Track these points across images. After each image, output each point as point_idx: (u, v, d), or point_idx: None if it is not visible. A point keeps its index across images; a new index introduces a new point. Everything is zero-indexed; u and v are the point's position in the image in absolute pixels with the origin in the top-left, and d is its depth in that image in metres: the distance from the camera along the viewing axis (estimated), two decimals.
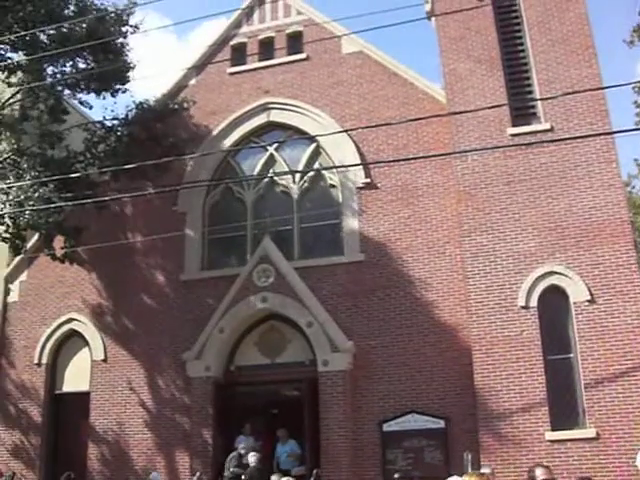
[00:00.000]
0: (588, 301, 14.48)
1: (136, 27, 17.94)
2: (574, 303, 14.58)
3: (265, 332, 17.15)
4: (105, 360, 18.29)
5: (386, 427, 15.62)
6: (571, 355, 14.61)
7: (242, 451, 15.73)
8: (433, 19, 18.07)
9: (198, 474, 15.86)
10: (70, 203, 14.80)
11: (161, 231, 17.97)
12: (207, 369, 16.73)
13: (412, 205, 16.80)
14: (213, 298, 17.33)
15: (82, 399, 18.22)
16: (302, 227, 17.72)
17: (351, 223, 17.13)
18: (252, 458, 15.28)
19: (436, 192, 16.75)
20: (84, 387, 18.34)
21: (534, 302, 14.75)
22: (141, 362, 17.95)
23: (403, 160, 15.76)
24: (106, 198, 15.99)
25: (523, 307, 14.75)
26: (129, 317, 18.39)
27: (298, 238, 17.65)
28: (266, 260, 16.86)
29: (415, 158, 16.00)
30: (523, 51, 16.49)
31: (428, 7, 18.41)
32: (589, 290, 14.49)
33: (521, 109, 16.09)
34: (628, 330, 14.15)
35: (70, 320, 18.86)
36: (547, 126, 15.51)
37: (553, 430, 14.06)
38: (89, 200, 15.52)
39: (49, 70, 17.60)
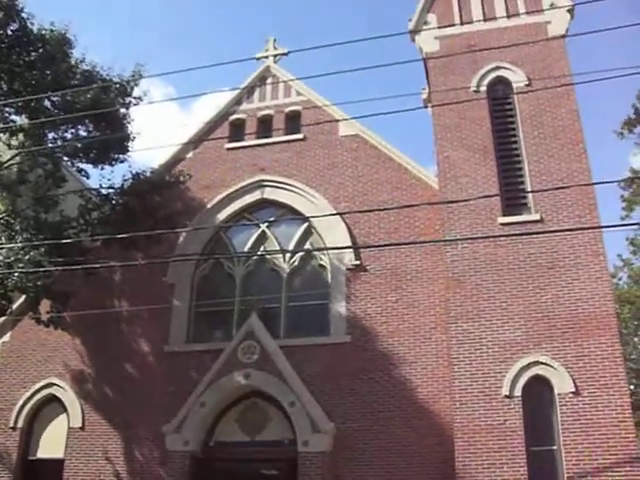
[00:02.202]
0: (573, 393, 14.46)
1: (139, 99, 18.31)
2: (558, 394, 14.56)
3: (246, 409, 16.95)
4: (82, 428, 17.99)
5: None
6: (554, 447, 14.52)
7: None
8: (429, 107, 18.51)
9: None
10: (60, 268, 14.83)
11: (149, 301, 17.98)
12: (186, 443, 16.47)
13: (400, 289, 16.91)
14: (196, 371, 17.20)
15: (56, 466, 17.83)
16: (290, 305, 17.74)
17: (339, 304, 17.18)
18: None
19: (425, 277, 16.88)
20: (59, 454, 17.98)
21: (518, 391, 14.72)
22: (119, 432, 17.67)
23: (394, 245, 15.95)
24: (96, 265, 16.05)
25: (507, 396, 14.71)
26: (110, 385, 18.19)
27: (285, 316, 17.66)
28: (252, 336, 16.81)
29: (405, 243, 16.21)
30: (515, 142, 16.87)
31: (425, 95, 18.90)
32: (574, 382, 14.49)
33: (512, 199, 16.36)
34: (613, 424, 14.10)
35: (50, 385, 18.61)
36: (537, 217, 15.76)
37: None
38: (79, 266, 15.52)
39: (50, 136, 17.84)
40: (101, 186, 18.43)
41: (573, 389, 14.48)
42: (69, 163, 18.49)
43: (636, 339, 31.73)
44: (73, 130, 18.01)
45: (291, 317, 17.67)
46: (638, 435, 17.18)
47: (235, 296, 18.21)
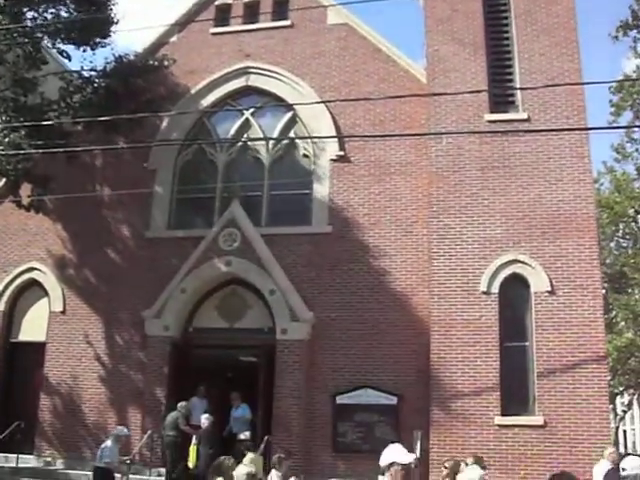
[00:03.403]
0: (548, 292, 14.66)
1: None
2: (534, 293, 14.76)
3: (226, 296, 17.10)
4: (64, 312, 18.12)
5: (339, 400, 15.75)
6: (527, 343, 14.81)
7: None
8: None
9: (149, 432, 15.89)
10: (41, 151, 14.57)
11: (130, 187, 17.65)
12: (166, 328, 16.69)
13: (383, 182, 16.81)
14: (177, 258, 17.22)
15: (37, 349, 18.08)
16: (272, 194, 17.65)
17: (321, 194, 17.11)
18: (205, 421, 15.29)
19: (409, 171, 16.76)
20: (40, 337, 18.16)
21: (495, 288, 14.90)
22: (100, 316, 17.82)
23: (379, 136, 15.74)
24: (77, 149, 15.75)
25: (484, 292, 14.89)
26: (91, 270, 18.23)
27: (267, 205, 17.59)
28: (233, 224, 16.80)
29: (391, 135, 15.98)
30: (507, 39, 16.51)
31: None
32: (550, 281, 14.66)
33: (500, 96, 16.12)
34: (584, 323, 14.38)
35: (31, 269, 18.65)
36: (524, 115, 15.59)
37: (503, 415, 14.28)
38: (60, 149, 15.23)
39: (29, 14, 17.20)
40: (83, 68, 17.96)
41: (549, 288, 14.66)
42: (49, 44, 17.90)
43: (612, 244, 32.07)
44: (54, 10, 17.37)
45: (273, 206, 17.60)
46: (606, 335, 17.52)
47: (217, 183, 18.07)
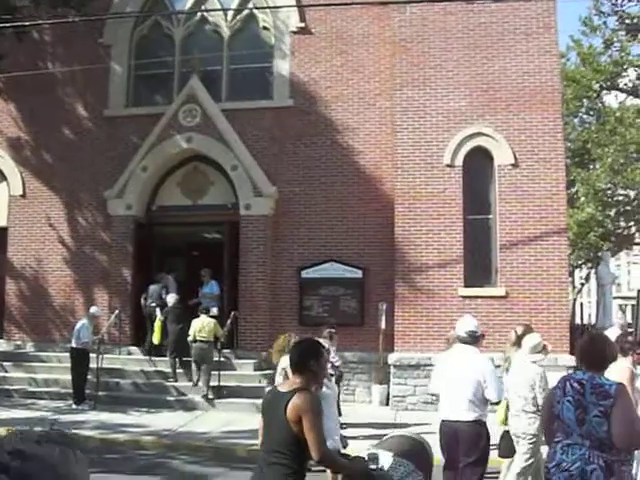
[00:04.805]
0: (512, 165, 14.72)
1: None
2: (498, 166, 14.81)
3: (188, 173, 16.91)
4: (24, 196, 17.80)
5: (304, 274, 15.91)
6: (490, 216, 14.98)
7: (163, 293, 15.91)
8: None
9: (117, 312, 15.98)
10: None
11: (85, 63, 17.12)
12: (128, 207, 16.53)
13: (346, 54, 16.41)
14: (137, 136, 16.87)
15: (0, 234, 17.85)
16: (231, 68, 17.16)
17: (282, 67, 16.69)
18: (171, 299, 15.42)
19: (371, 42, 16.36)
20: (1, 222, 17.89)
21: (459, 161, 14.90)
22: (61, 198, 17.56)
23: (340, 5, 15.20)
24: (26, 23, 15.10)
25: (448, 165, 14.89)
26: (49, 152, 17.80)
27: (227, 79, 17.13)
28: (193, 100, 16.41)
29: (353, 4, 15.44)
30: None
31: None
32: (514, 154, 14.70)
33: None
34: (547, 196, 14.54)
35: None
36: None
37: (466, 286, 14.59)
38: (7, 24, 14.60)
39: None
40: None
41: (512, 161, 14.71)
42: None
43: (576, 120, 32.06)
44: None
45: (233, 80, 17.15)
46: (567, 209, 17.70)
47: (175, 58, 17.49)
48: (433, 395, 9.56)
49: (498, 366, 8.51)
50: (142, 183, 16.59)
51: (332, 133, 16.20)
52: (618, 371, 7.95)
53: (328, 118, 16.26)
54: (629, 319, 31.08)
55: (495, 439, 7.90)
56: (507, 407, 8.04)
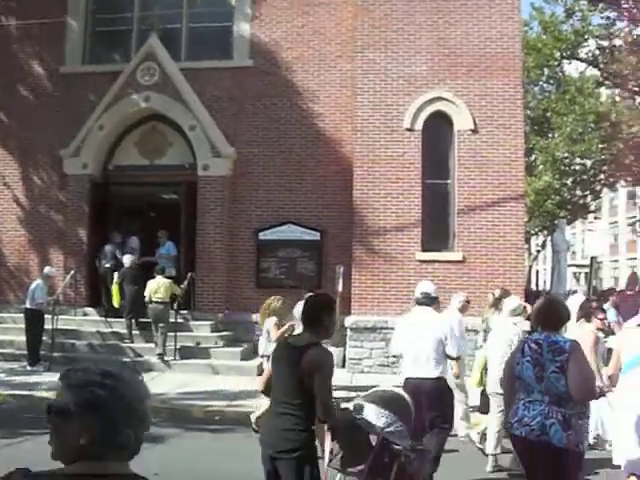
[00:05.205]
0: (471, 130, 14.76)
1: None
2: (458, 131, 14.84)
3: (146, 133, 16.61)
4: None
5: (262, 236, 15.86)
6: (449, 181, 15.04)
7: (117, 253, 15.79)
8: None
9: (72, 272, 15.81)
10: None
11: (40, 18, 16.66)
12: (84, 167, 16.25)
13: (307, 15, 16.21)
14: (94, 94, 16.47)
15: None
16: (191, 27, 16.85)
17: (242, 28, 16.42)
18: (127, 260, 15.30)
19: (332, 3, 16.17)
20: None
21: (419, 125, 14.89)
22: (15, 157, 17.20)
23: None
24: None
25: (408, 129, 14.87)
26: (3, 109, 17.33)
27: (186, 38, 16.83)
28: (151, 58, 16.07)
29: None
30: None
31: None
32: (474, 119, 14.73)
33: None
34: (505, 162, 14.64)
35: None
36: None
37: (423, 251, 14.64)
38: None
39: None
40: None
41: (472, 127, 14.75)
42: None
43: (536, 89, 32.28)
44: None
45: (193, 39, 16.83)
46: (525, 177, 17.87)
47: (133, 14, 17.11)
48: (393, 357, 9.74)
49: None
50: (99, 142, 16.30)
51: (292, 95, 16.06)
52: (583, 336, 8.30)
53: (288, 79, 16.11)
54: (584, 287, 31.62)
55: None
56: (484, 369, 8.33)
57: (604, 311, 9.61)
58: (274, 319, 9.61)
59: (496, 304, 9.59)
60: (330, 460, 5.06)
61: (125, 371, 1.97)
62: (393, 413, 5.22)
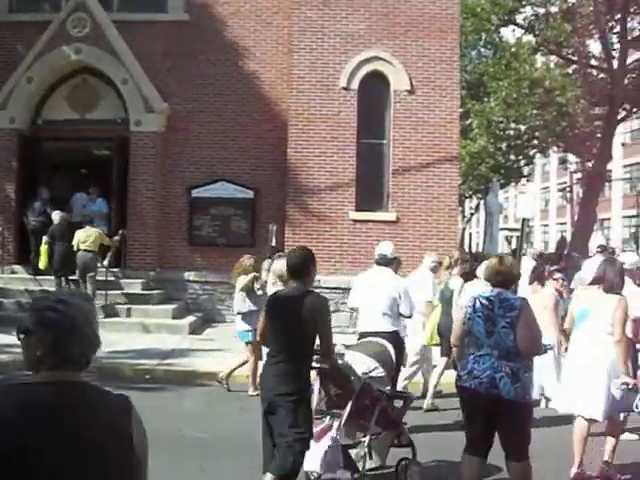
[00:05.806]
0: (408, 91, 14.81)
1: None
2: (394, 91, 14.87)
3: (77, 86, 16.16)
4: None
5: (195, 193, 15.73)
6: (384, 141, 15.11)
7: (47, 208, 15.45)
8: None
9: (0, 229, 15.44)
10: None
11: None
12: (12, 121, 15.75)
13: None
14: (22, 44, 15.86)
15: None
16: None
17: None
18: (56, 216, 14.93)
19: None
20: None
21: (355, 85, 14.89)
22: None
23: None
24: None
25: (344, 88, 14.85)
26: None
27: None
28: (82, 8, 15.54)
29: None
30: None
31: None
32: (410, 80, 14.79)
33: None
34: (441, 124, 14.77)
35: None
36: None
37: (357, 210, 14.72)
38: None
39: None
40: None
41: (409, 87, 14.81)
42: None
43: (474, 53, 32.50)
44: None
45: None
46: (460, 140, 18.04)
47: None
48: (351, 310, 10.01)
49: None
50: (27, 95, 15.77)
51: (227, 50, 15.79)
52: (543, 299, 8.53)
53: (224, 35, 15.83)
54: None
55: None
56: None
57: (560, 272, 9.80)
58: (251, 275, 9.74)
59: (452, 267, 9.77)
60: (317, 403, 5.59)
61: (77, 298, 2.31)
62: (376, 360, 5.76)
